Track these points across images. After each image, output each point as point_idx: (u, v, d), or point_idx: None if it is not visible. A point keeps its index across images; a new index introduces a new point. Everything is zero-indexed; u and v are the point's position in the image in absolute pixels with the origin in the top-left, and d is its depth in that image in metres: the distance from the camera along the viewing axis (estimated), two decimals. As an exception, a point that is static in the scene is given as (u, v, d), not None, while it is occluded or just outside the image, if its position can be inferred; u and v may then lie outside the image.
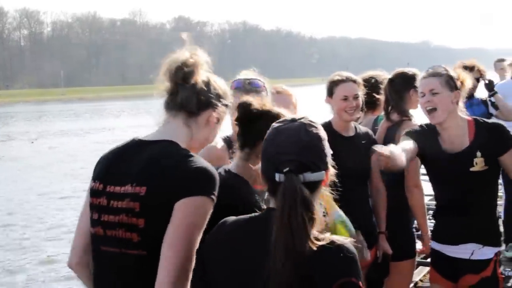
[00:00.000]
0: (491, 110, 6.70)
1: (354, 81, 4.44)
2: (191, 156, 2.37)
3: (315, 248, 2.00)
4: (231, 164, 2.92)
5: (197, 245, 2.24)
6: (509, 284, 6.48)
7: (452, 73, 3.83)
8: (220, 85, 2.59)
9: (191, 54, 2.48)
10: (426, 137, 3.90)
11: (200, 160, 2.36)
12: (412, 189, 4.46)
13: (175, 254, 2.20)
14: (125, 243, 2.33)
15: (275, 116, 2.80)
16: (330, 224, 3.47)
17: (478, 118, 3.90)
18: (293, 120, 2.19)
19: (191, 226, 2.23)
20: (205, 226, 2.27)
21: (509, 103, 7.41)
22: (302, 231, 1.99)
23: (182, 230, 2.22)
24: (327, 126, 4.41)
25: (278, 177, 2.09)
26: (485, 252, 3.75)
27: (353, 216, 4.17)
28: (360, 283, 2.03)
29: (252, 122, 2.84)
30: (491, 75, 8.98)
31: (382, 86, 4.94)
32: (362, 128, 4.59)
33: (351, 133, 4.47)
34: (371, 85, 4.95)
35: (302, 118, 2.20)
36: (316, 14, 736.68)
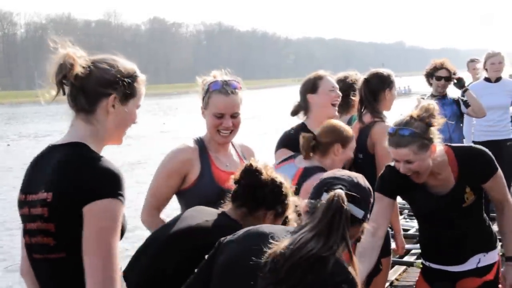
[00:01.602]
0: (463, 109, 6.75)
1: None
2: (94, 158, 2.34)
3: (326, 255, 2.11)
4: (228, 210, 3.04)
5: (115, 246, 2.22)
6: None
7: (420, 127, 3.41)
8: (114, 64, 2.47)
9: (63, 55, 2.40)
10: (409, 184, 3.63)
11: (103, 161, 2.33)
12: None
13: (94, 261, 2.18)
14: (46, 248, 2.33)
15: (279, 185, 2.96)
16: None
17: (455, 146, 3.67)
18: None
19: (103, 230, 2.21)
20: (119, 226, 2.26)
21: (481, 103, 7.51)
22: (334, 237, 2.12)
23: (94, 236, 2.20)
24: (303, 127, 4.42)
25: (324, 196, 2.22)
26: (490, 257, 3.73)
27: None
28: None
29: (257, 189, 2.95)
30: (464, 75, 9.07)
31: (356, 87, 4.97)
32: None
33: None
34: (345, 85, 4.95)
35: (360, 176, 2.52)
36: (291, 15, 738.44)
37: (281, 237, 2.20)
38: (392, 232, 4.79)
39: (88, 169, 2.29)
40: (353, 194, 2.27)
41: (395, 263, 6.90)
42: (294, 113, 4.67)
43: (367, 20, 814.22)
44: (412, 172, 3.49)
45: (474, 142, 7.30)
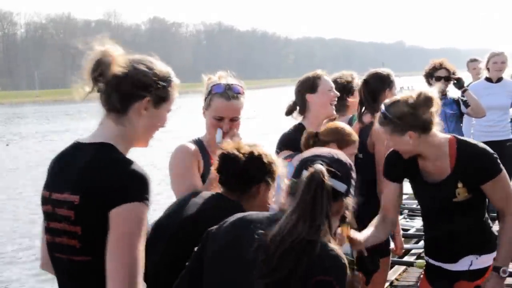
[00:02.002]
0: (463, 109, 6.73)
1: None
2: (122, 160, 2.34)
3: (315, 240, 2.10)
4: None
5: (139, 252, 2.22)
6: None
7: (398, 112, 3.45)
8: (152, 67, 2.47)
9: (102, 52, 2.38)
10: (407, 167, 3.69)
11: (131, 164, 2.31)
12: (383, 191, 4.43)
13: (117, 265, 2.18)
14: (70, 250, 2.32)
15: (259, 157, 2.94)
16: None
17: (461, 139, 3.62)
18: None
19: (128, 234, 2.21)
20: (145, 231, 2.26)
21: (481, 103, 7.50)
22: (317, 215, 2.10)
23: (120, 240, 2.20)
24: (300, 127, 4.40)
25: (305, 173, 2.20)
26: (483, 260, 3.64)
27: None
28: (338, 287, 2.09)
29: (239, 172, 2.95)
30: (464, 75, 9.06)
31: (354, 87, 4.97)
32: None
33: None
34: (338, 87, 4.89)
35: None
36: (291, 14, 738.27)
37: (268, 225, 2.18)
38: (392, 233, 4.77)
39: (116, 172, 2.28)
40: (333, 169, 2.25)
41: (394, 263, 6.90)
42: (289, 112, 4.66)
43: (367, 20, 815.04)
44: (396, 150, 3.63)
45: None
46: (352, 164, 2.45)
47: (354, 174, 2.41)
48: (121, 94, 2.39)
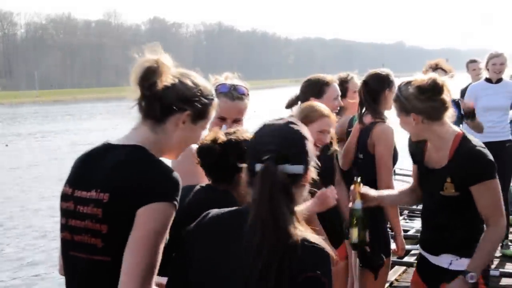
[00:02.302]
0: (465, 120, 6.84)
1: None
2: (154, 161, 2.36)
3: (290, 241, 2.03)
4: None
5: (160, 251, 2.23)
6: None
7: (406, 94, 3.55)
8: (197, 82, 2.51)
9: (154, 60, 2.40)
10: (417, 146, 3.80)
11: (163, 165, 2.34)
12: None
13: (136, 260, 2.19)
14: (91, 248, 2.31)
15: (238, 143, 2.90)
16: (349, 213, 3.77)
17: (467, 137, 3.60)
18: (281, 118, 2.28)
19: (152, 232, 2.22)
20: (168, 231, 2.27)
21: (480, 103, 7.51)
22: (279, 215, 2.04)
23: (143, 238, 2.21)
24: None
25: (258, 167, 2.12)
26: (462, 263, 3.59)
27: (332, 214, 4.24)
28: (326, 281, 2.07)
29: (220, 164, 2.93)
30: (463, 76, 9.05)
31: (352, 87, 4.97)
32: None
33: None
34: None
35: (289, 118, 2.29)
36: (291, 15, 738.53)
37: (240, 229, 2.10)
38: (392, 233, 4.79)
39: (147, 171, 2.29)
40: (285, 153, 2.14)
41: (394, 264, 6.91)
42: (289, 106, 4.64)
43: (367, 20, 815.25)
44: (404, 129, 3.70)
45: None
46: (301, 132, 2.24)
47: (307, 144, 2.22)
48: (164, 104, 2.41)
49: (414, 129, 3.59)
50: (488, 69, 7.71)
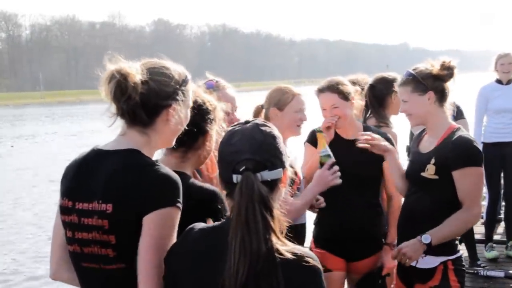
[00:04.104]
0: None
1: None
2: (152, 165, 2.31)
3: (278, 257, 1.95)
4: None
5: None
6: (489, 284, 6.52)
7: (423, 73, 3.66)
8: (169, 73, 2.43)
9: (118, 70, 2.30)
10: (417, 139, 3.90)
11: (161, 169, 2.30)
12: (393, 194, 4.34)
13: (147, 266, 2.19)
14: (103, 259, 2.30)
15: (202, 104, 2.76)
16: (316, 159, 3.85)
17: (459, 129, 3.67)
18: (247, 122, 2.18)
19: (161, 238, 2.21)
20: (176, 233, 2.26)
21: (491, 106, 7.48)
22: (259, 229, 1.95)
23: (153, 244, 2.20)
24: None
25: (235, 178, 2.04)
26: (428, 261, 3.61)
27: (346, 219, 4.22)
28: None
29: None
30: (467, 76, 8.94)
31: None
32: (376, 132, 4.22)
33: (354, 136, 4.12)
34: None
35: (255, 119, 2.21)
36: (295, 16, 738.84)
37: (224, 246, 2.01)
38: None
39: (148, 178, 2.26)
40: (261, 159, 2.06)
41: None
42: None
43: (371, 22, 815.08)
44: (407, 114, 3.74)
45: (483, 143, 7.28)
46: (274, 132, 2.15)
47: (280, 144, 2.15)
48: (147, 108, 2.36)
49: (426, 108, 3.64)
50: (497, 70, 7.66)
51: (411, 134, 6.77)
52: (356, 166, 4.15)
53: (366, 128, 4.29)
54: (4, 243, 12.78)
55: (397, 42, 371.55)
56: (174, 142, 2.55)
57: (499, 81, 7.63)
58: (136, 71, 2.33)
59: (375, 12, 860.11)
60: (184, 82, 2.47)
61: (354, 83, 5.01)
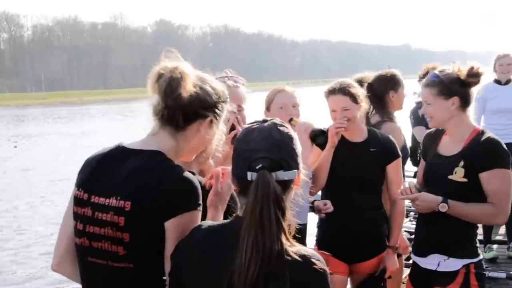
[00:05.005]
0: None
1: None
2: (174, 168, 2.31)
3: (286, 258, 1.95)
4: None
5: None
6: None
7: (450, 77, 3.60)
8: (215, 87, 2.48)
9: (175, 68, 2.36)
10: (432, 139, 3.81)
11: (182, 172, 2.30)
12: (397, 198, 4.16)
13: None
14: (112, 255, 2.29)
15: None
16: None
17: (484, 131, 3.63)
18: (264, 121, 2.18)
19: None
20: None
21: (490, 106, 7.47)
22: (273, 228, 1.96)
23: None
24: None
25: (250, 175, 2.05)
26: (450, 264, 3.58)
27: (350, 222, 4.20)
28: None
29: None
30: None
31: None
32: (380, 136, 4.35)
33: (360, 139, 4.26)
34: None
35: (273, 119, 2.20)
36: (297, 17, 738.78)
37: (233, 245, 2.01)
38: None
39: (170, 181, 2.25)
40: (277, 159, 2.07)
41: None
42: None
43: (373, 23, 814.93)
44: (429, 116, 3.66)
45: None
46: (290, 133, 2.16)
47: (297, 145, 2.15)
48: (186, 113, 2.39)
49: (449, 113, 3.59)
50: (496, 71, 7.67)
51: (412, 135, 6.80)
52: (360, 169, 4.16)
53: (370, 132, 4.30)
54: (6, 241, 12.82)
55: (399, 43, 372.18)
56: (193, 158, 2.58)
57: (497, 81, 7.64)
58: (191, 73, 2.39)
59: (377, 13, 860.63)
60: (225, 101, 2.52)
61: (360, 81, 5.05)
